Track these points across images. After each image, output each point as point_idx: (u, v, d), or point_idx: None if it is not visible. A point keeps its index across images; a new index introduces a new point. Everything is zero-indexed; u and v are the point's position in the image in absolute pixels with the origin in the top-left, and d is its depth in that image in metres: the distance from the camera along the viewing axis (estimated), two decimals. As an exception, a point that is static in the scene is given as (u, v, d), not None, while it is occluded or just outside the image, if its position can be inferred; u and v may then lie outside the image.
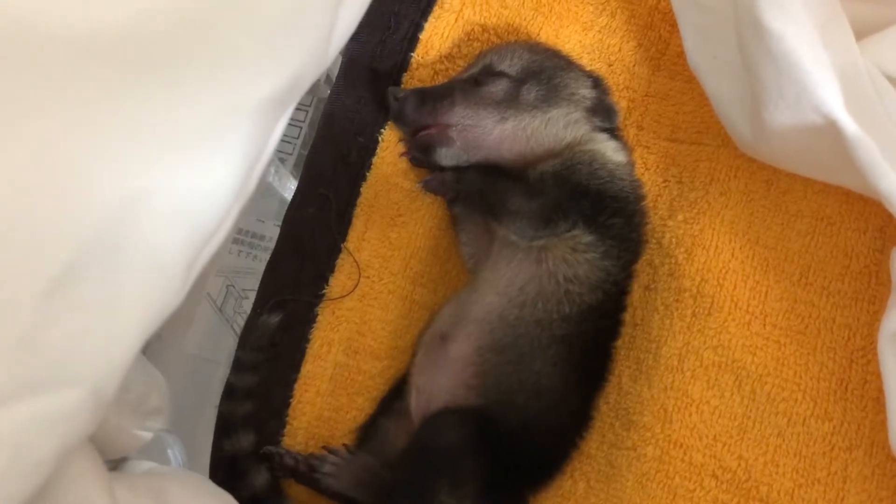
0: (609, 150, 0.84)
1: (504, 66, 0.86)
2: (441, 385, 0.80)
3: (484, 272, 0.83)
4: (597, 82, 0.87)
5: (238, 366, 0.89)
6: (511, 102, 0.84)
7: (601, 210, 0.80)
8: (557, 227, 0.79)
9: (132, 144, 0.48)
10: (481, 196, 0.85)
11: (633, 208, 0.83)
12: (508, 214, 0.81)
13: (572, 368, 0.79)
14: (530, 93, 0.84)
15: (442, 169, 0.88)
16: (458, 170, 0.87)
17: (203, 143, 0.50)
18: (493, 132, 0.84)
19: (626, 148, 0.87)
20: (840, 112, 0.69)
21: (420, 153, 0.88)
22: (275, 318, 0.89)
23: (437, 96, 0.86)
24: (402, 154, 0.91)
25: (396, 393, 0.87)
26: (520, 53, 0.87)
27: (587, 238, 0.79)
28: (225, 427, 0.87)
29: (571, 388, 0.80)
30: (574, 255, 0.79)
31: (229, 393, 0.88)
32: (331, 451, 0.84)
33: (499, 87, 0.85)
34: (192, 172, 0.50)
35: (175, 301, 0.53)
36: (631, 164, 0.86)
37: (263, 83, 0.52)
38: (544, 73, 0.86)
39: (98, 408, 0.50)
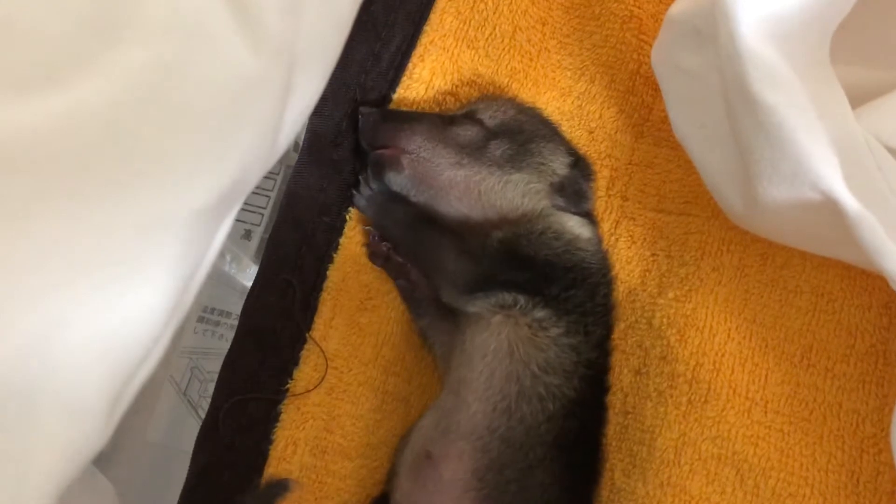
0: (570, 221, 0.79)
1: (484, 116, 0.81)
2: None
3: (460, 370, 0.76)
4: (578, 163, 0.82)
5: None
6: (474, 152, 0.79)
7: (550, 282, 0.75)
8: (491, 295, 0.74)
9: (40, 270, 0.41)
10: (408, 251, 0.82)
11: (594, 281, 0.77)
12: (440, 279, 0.78)
13: (571, 472, 0.73)
14: (498, 149, 0.79)
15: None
16: (381, 211, 0.83)
17: (126, 264, 0.44)
18: (443, 173, 0.79)
19: (594, 224, 0.82)
20: (840, 189, 0.63)
21: (371, 171, 0.83)
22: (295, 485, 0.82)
23: (401, 118, 0.82)
24: (364, 245, 0.85)
25: None
26: (505, 108, 0.83)
27: (540, 313, 0.74)
28: None
29: (574, 493, 0.74)
30: (539, 336, 0.73)
31: None
32: None
33: (468, 133, 0.80)
34: (114, 298, 0.44)
35: (98, 443, 0.46)
36: (597, 238, 0.81)
37: (197, 192, 0.46)
38: (521, 134, 0.81)
39: (5, 574, 0.43)
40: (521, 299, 0.74)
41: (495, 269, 0.75)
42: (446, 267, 0.77)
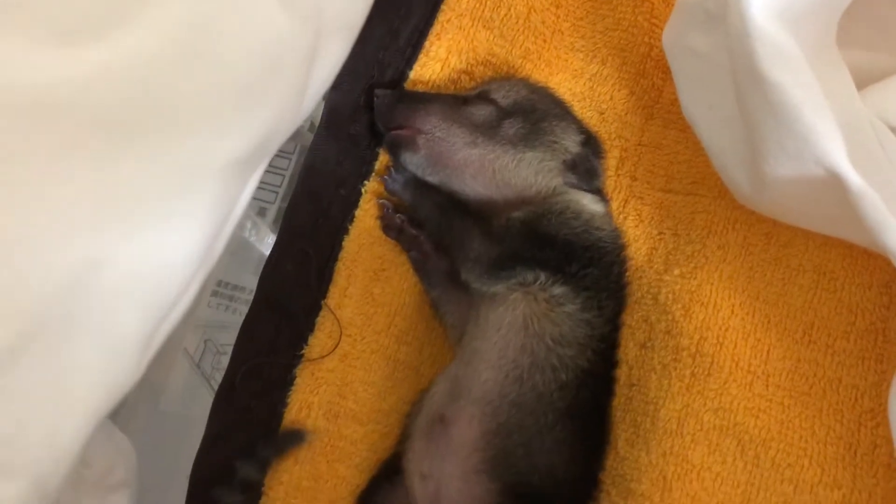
0: (585, 199, 0.81)
1: (497, 96, 0.83)
2: (449, 471, 0.74)
3: (474, 342, 0.78)
4: (589, 141, 0.84)
5: (251, 456, 0.83)
6: (488, 131, 0.81)
7: (570, 261, 0.77)
8: (514, 275, 0.76)
9: (83, 210, 0.44)
10: (438, 233, 0.83)
11: (610, 259, 0.80)
12: (464, 259, 0.79)
13: (580, 440, 0.75)
14: (511, 128, 0.81)
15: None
16: (418, 193, 0.85)
17: (162, 209, 0.46)
18: (459, 153, 0.81)
19: (605, 202, 0.84)
20: (844, 165, 0.65)
21: (388, 152, 0.86)
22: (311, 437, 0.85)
23: (416, 99, 0.83)
24: (377, 217, 0.87)
25: (377, 485, 0.82)
26: (517, 88, 0.85)
27: (558, 289, 0.76)
28: None
29: (582, 460, 0.76)
30: (555, 311, 0.75)
31: (229, 477, 0.82)
32: None
33: (482, 112, 0.82)
34: (150, 240, 0.46)
35: (131, 380, 0.48)
36: (609, 214, 0.83)
37: (229, 143, 0.48)
38: (534, 113, 0.83)
39: (43, 499, 0.46)
40: (543, 276, 0.76)
41: (518, 247, 0.77)
42: (472, 247, 0.79)
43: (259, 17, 0.49)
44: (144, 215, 0.45)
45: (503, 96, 0.83)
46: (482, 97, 0.84)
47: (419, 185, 0.85)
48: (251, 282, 1.14)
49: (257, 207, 1.18)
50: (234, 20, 0.47)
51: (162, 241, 0.46)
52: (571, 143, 0.83)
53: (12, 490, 0.44)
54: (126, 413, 1.09)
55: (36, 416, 0.44)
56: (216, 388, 0.89)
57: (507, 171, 0.81)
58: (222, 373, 0.88)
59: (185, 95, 0.46)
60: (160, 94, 0.45)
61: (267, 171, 1.22)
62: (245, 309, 0.89)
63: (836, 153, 0.65)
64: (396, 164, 0.86)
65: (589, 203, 0.81)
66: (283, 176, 1.21)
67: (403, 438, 0.81)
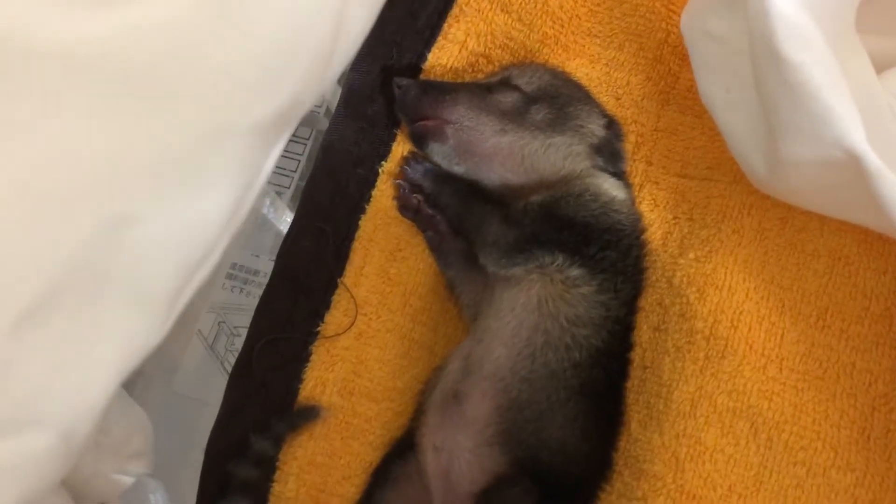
0: (606, 183, 0.81)
1: (521, 82, 0.84)
2: (461, 444, 0.75)
3: (487, 320, 0.79)
4: (611, 124, 0.85)
5: (266, 430, 0.84)
6: (516, 117, 0.81)
7: (587, 243, 0.77)
8: (532, 258, 0.77)
9: (113, 168, 0.44)
10: (458, 219, 0.83)
11: (628, 242, 0.80)
12: (482, 243, 0.79)
13: (592, 419, 0.76)
14: (539, 113, 0.82)
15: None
16: (438, 182, 0.85)
17: (190, 169, 0.47)
18: (489, 141, 0.81)
19: (628, 187, 0.84)
20: (862, 146, 0.66)
21: (413, 143, 0.86)
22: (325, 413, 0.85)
23: (441, 89, 0.83)
24: (394, 198, 0.88)
25: (390, 461, 0.83)
26: (540, 74, 0.85)
27: (575, 271, 0.76)
28: (222, 486, 0.82)
29: (594, 438, 0.76)
30: (570, 292, 0.76)
31: (242, 452, 0.83)
32: None
33: (508, 99, 0.82)
34: (178, 200, 0.47)
35: (157, 337, 0.49)
36: (631, 200, 0.84)
37: (256, 108, 0.49)
38: (559, 98, 0.83)
39: (69, 453, 0.46)
40: (560, 257, 0.76)
41: (536, 230, 0.77)
42: (491, 231, 0.79)
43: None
44: (174, 174, 0.46)
45: (526, 82, 0.84)
46: (505, 84, 0.84)
47: (439, 174, 0.86)
48: (265, 266, 1.15)
49: (273, 191, 1.19)
50: (262, -15, 0.48)
51: (190, 201, 0.47)
52: (596, 127, 0.83)
53: (41, 442, 0.44)
54: (140, 391, 1.10)
55: (65, 369, 0.44)
56: (229, 369, 0.90)
57: (535, 156, 0.81)
58: (235, 354, 0.89)
59: (213, 58, 0.47)
60: (190, 56, 0.46)
61: (282, 156, 1.24)
62: (259, 292, 0.90)
63: (855, 134, 0.66)
64: (418, 154, 0.86)
65: (609, 188, 0.81)
66: (299, 161, 1.22)
67: (417, 414, 0.82)
